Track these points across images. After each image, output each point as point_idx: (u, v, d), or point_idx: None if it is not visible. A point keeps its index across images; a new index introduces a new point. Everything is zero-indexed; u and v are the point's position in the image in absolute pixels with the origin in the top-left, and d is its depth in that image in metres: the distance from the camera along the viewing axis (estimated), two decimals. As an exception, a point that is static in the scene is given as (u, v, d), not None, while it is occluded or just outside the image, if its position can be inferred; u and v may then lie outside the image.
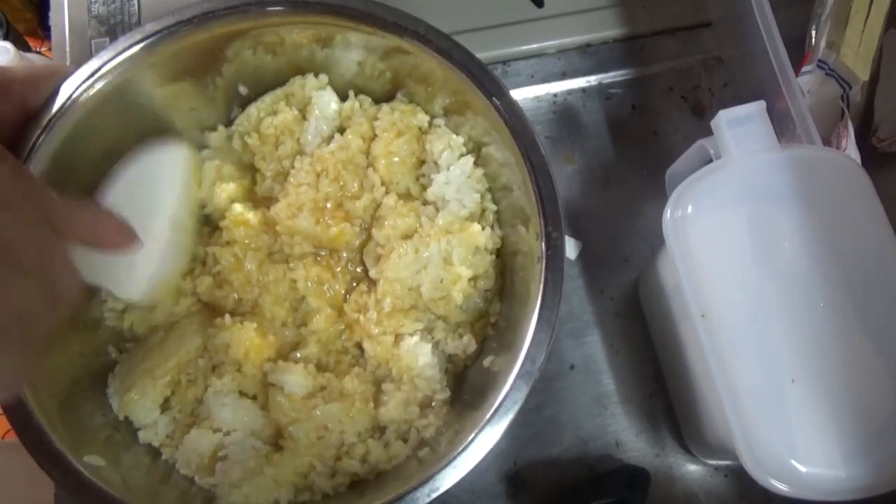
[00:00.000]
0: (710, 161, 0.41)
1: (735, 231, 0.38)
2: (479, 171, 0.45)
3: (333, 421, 0.41)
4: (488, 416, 0.36)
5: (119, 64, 0.40)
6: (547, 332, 0.37)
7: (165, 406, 0.43)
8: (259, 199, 0.47)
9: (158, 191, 0.41)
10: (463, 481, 0.48)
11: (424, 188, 0.46)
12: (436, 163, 0.46)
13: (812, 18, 0.53)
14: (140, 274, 0.40)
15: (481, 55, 0.56)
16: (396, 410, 0.42)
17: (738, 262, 0.37)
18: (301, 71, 0.47)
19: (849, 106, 0.50)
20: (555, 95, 0.57)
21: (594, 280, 0.53)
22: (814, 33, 0.52)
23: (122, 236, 0.35)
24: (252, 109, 0.47)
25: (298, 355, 0.44)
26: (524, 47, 0.57)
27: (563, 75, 0.57)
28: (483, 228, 0.44)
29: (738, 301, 0.37)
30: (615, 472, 0.47)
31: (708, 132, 0.41)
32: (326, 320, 0.44)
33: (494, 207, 0.45)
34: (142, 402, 0.41)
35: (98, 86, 0.40)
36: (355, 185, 0.45)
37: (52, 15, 0.56)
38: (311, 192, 0.44)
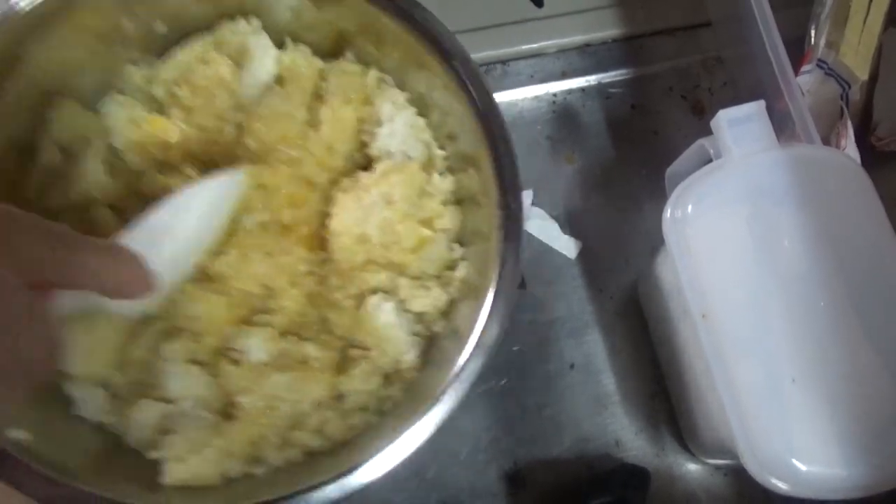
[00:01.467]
0: (710, 161, 0.41)
1: (735, 231, 0.38)
2: (422, 121, 0.44)
3: (287, 391, 0.39)
4: (441, 390, 0.35)
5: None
6: (506, 301, 0.36)
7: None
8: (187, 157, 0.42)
9: (197, 227, 0.38)
10: (462, 480, 0.48)
11: (366, 145, 0.44)
12: (379, 119, 0.44)
13: (811, 18, 0.53)
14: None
15: (480, 55, 0.57)
16: (358, 380, 0.40)
17: (738, 262, 0.37)
18: (228, 15, 0.44)
19: (848, 105, 0.50)
20: (554, 95, 0.57)
21: (594, 280, 0.53)
22: (813, 33, 0.52)
23: (136, 286, 0.30)
24: (179, 56, 0.43)
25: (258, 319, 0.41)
26: (524, 47, 0.57)
27: (563, 75, 0.57)
28: (430, 174, 0.43)
29: (738, 301, 0.37)
30: (615, 471, 0.47)
31: (708, 132, 0.41)
32: (291, 300, 0.41)
33: (443, 153, 0.44)
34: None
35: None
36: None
37: None
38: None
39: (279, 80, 0.45)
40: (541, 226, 0.53)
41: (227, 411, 0.40)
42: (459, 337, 0.38)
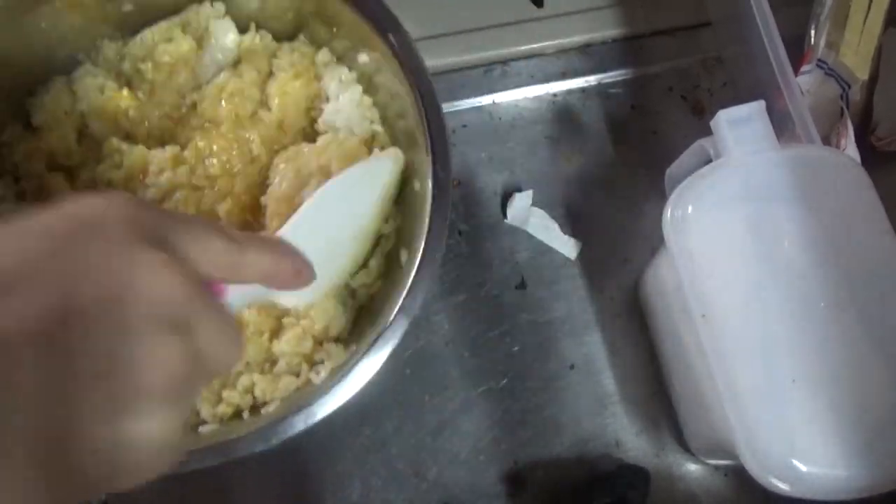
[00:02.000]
0: (710, 161, 0.41)
1: (735, 231, 0.38)
2: (369, 100, 0.46)
3: None
4: (366, 349, 0.37)
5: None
6: (430, 271, 0.38)
7: None
8: (145, 134, 0.46)
9: (351, 210, 0.40)
10: (463, 480, 0.48)
11: (315, 121, 0.46)
12: (327, 96, 0.46)
13: (811, 18, 0.53)
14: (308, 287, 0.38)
15: (480, 55, 0.57)
16: (289, 343, 0.41)
17: (738, 262, 0.37)
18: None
19: (848, 105, 0.50)
20: (554, 95, 0.57)
21: (594, 280, 0.53)
22: (813, 33, 0.53)
23: (299, 277, 0.32)
24: (147, 34, 0.46)
25: None
26: (524, 47, 0.57)
27: (563, 75, 0.57)
28: (371, 149, 0.44)
29: (738, 301, 0.37)
30: (615, 471, 0.47)
31: (708, 132, 0.41)
32: None
33: (381, 130, 0.46)
34: None
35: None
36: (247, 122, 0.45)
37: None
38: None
39: (237, 61, 0.47)
40: (541, 226, 0.53)
41: None
42: (389, 305, 0.39)
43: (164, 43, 0.46)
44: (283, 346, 0.42)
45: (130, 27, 0.46)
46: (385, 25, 0.41)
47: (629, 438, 0.49)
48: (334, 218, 0.39)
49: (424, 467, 0.48)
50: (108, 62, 0.46)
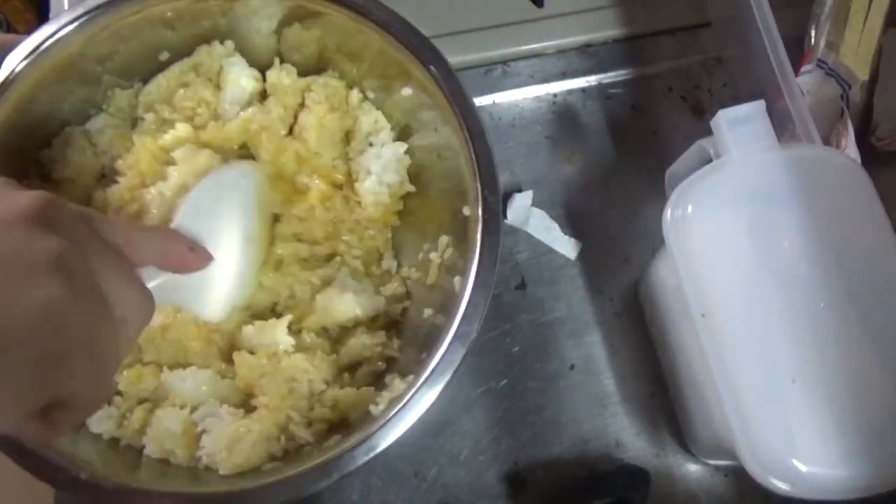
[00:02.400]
0: (710, 161, 0.41)
1: (735, 231, 0.38)
2: (406, 157, 0.47)
3: (299, 371, 0.42)
4: (424, 377, 0.37)
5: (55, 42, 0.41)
6: (483, 295, 0.38)
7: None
8: None
9: (229, 209, 0.42)
10: (462, 481, 0.48)
11: (349, 159, 0.47)
12: (369, 142, 0.47)
13: (811, 18, 0.53)
14: (219, 292, 0.41)
15: (480, 55, 0.57)
16: (360, 341, 0.43)
17: (738, 262, 0.37)
18: (205, 40, 0.47)
19: (848, 105, 0.50)
20: (555, 95, 0.57)
21: (594, 280, 0.53)
22: (813, 33, 0.53)
23: (192, 256, 0.37)
24: (161, 79, 0.46)
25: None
26: (524, 47, 0.57)
27: (563, 75, 0.57)
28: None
29: (738, 301, 0.37)
30: (615, 471, 0.47)
31: (708, 132, 0.41)
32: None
33: (411, 187, 0.47)
34: None
35: (38, 61, 0.41)
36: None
37: (52, 16, 0.56)
38: None
39: (263, 96, 0.47)
40: (541, 226, 0.53)
41: (246, 404, 0.43)
42: (445, 332, 0.39)
43: (182, 88, 0.46)
44: (352, 349, 0.43)
45: (143, 75, 0.46)
46: (426, 56, 0.42)
47: (629, 438, 0.49)
48: (216, 215, 0.41)
49: (424, 467, 0.48)
50: (122, 111, 0.46)
